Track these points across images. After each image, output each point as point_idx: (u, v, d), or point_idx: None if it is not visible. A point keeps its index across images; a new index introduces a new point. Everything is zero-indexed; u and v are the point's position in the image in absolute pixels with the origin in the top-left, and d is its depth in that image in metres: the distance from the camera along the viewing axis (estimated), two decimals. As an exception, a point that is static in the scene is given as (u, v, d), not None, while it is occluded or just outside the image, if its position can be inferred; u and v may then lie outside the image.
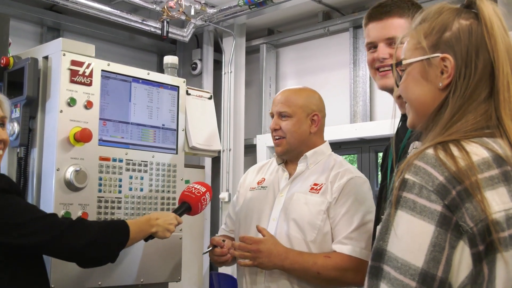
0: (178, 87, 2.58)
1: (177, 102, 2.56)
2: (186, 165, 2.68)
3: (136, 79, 2.45)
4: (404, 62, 1.45)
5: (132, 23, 5.07)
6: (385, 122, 4.76)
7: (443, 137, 1.27)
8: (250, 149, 5.58)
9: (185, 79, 2.61)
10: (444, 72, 1.34)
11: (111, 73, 2.38)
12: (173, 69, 2.62)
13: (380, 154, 5.50)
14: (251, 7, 4.94)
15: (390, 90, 2.05)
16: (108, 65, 2.37)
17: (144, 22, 5.10)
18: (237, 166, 5.45)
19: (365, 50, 5.02)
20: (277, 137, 2.49)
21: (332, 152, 2.60)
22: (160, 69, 5.97)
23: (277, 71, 5.77)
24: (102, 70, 2.35)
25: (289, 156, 2.54)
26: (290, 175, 2.52)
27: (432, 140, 1.28)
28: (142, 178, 2.42)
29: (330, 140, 5.09)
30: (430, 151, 1.23)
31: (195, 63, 5.64)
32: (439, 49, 1.36)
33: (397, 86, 1.52)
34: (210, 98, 2.76)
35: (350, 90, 5.19)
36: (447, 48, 1.34)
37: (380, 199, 2.15)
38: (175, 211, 2.34)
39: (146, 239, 2.20)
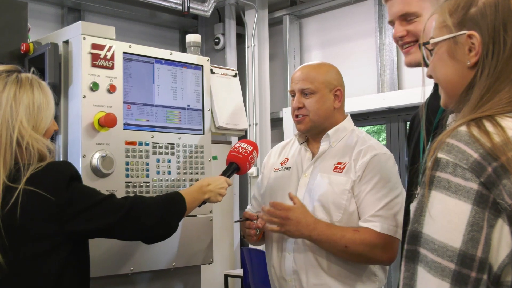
0: (202, 66, 2.50)
1: (202, 81, 2.49)
2: (213, 141, 2.62)
3: (159, 60, 2.37)
4: (431, 41, 1.37)
5: (153, 0, 4.99)
6: (413, 91, 4.67)
7: (476, 114, 1.21)
8: (276, 123, 5.50)
9: (209, 58, 2.53)
10: (472, 50, 1.26)
11: (133, 55, 2.30)
12: (196, 47, 2.54)
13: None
14: (272, -22, 4.81)
15: (416, 66, 1.96)
16: (130, 47, 2.30)
17: (165, -2, 5.02)
18: (264, 140, 5.38)
19: (391, 17, 4.90)
20: (299, 115, 2.40)
21: (355, 127, 2.51)
22: (183, 46, 5.90)
23: (301, 43, 5.66)
24: (123, 53, 2.28)
25: (312, 133, 2.45)
26: (313, 154, 2.44)
27: (464, 117, 1.22)
28: (169, 161, 2.36)
29: (358, 110, 5.11)
30: (463, 128, 1.17)
31: (218, 38, 5.56)
32: (465, 27, 1.28)
33: (426, 65, 1.46)
34: (235, 76, 2.67)
35: (377, 59, 5.08)
36: (473, 25, 1.27)
37: (413, 172, 2.08)
38: (223, 173, 2.32)
39: (199, 205, 2.20)
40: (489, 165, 1.11)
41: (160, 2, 5.04)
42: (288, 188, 2.39)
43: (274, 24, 5.64)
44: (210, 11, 5.28)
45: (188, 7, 4.90)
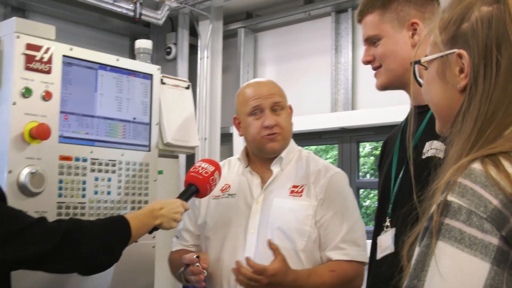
0: (151, 75, 2.22)
1: (151, 92, 2.21)
2: (159, 155, 2.35)
3: (104, 66, 2.09)
4: (422, 60, 1.19)
5: (103, 4, 4.65)
6: (367, 111, 4.50)
7: (488, 149, 1.00)
8: (226, 138, 5.23)
9: (159, 67, 2.26)
10: (463, 71, 1.08)
11: (74, 59, 2.02)
12: (146, 54, 2.27)
13: (363, 144, 5.26)
14: (229, -12, 4.57)
15: (385, 89, 1.86)
16: (71, 49, 2.01)
17: (116, 3, 4.69)
18: (213, 155, 5.11)
19: (347, 35, 4.74)
20: (271, 133, 2.16)
21: (299, 147, 2.35)
22: (133, 54, 5.60)
23: (256, 57, 5.42)
24: (63, 56, 1.99)
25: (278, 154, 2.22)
26: (262, 179, 2.20)
27: (463, 152, 1.03)
28: (109, 179, 2.08)
29: (310, 129, 4.89)
30: (477, 166, 0.97)
31: (170, 48, 5.26)
32: (456, 44, 1.09)
33: (419, 84, 1.26)
34: (187, 88, 2.41)
35: (332, 77, 4.89)
36: (463, 42, 1.08)
37: (383, 201, 1.87)
38: (180, 195, 2.03)
39: (150, 232, 1.91)
40: None
41: (111, 7, 4.71)
42: (238, 217, 2.14)
43: (229, 36, 5.39)
44: (163, 19, 4.99)
45: (140, 14, 4.60)
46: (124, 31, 5.43)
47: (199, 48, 5.18)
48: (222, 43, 5.22)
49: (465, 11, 1.09)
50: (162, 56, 5.34)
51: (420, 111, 1.73)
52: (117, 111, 2.11)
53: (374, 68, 1.87)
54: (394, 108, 3.93)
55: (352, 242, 2.11)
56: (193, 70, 5.25)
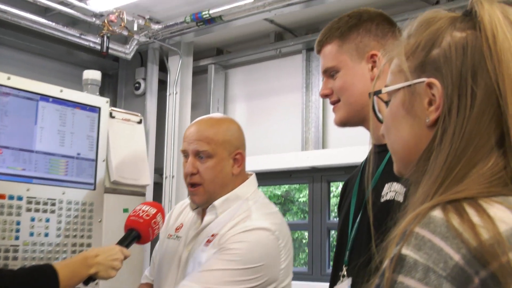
0: (99, 108, 2.06)
1: (98, 126, 2.05)
2: (124, 192, 2.17)
3: (45, 97, 1.92)
4: (383, 90, 1.04)
5: (70, 37, 4.51)
6: (338, 151, 4.37)
7: (452, 194, 0.85)
8: (195, 176, 5.06)
9: (108, 99, 2.10)
10: (432, 103, 0.94)
11: (12, 89, 1.85)
12: (94, 86, 2.11)
13: (336, 184, 5.11)
14: (198, 24, 4.45)
15: (344, 125, 1.72)
16: (9, 78, 1.84)
17: (83, 37, 4.54)
18: (180, 194, 4.91)
19: (318, 73, 4.65)
20: (193, 184, 1.96)
21: (255, 193, 2.08)
22: (102, 89, 5.43)
23: (226, 94, 5.29)
24: (0, 85, 1.81)
25: (208, 205, 2.02)
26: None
27: (430, 193, 0.88)
28: (47, 220, 1.89)
29: (280, 168, 4.74)
30: (438, 214, 0.82)
31: (139, 83, 5.12)
32: (424, 73, 0.96)
33: (379, 120, 1.12)
34: (139, 122, 2.25)
35: (302, 116, 4.77)
36: (434, 70, 0.94)
37: (340, 247, 1.71)
38: (119, 242, 1.83)
39: (85, 282, 1.69)
40: (476, 274, 0.78)
41: (78, 40, 4.56)
42: (172, 263, 1.96)
43: (199, 72, 5.27)
44: (132, 54, 4.85)
45: (107, 47, 4.44)
46: (93, 66, 5.21)
47: (168, 84, 5.04)
48: (191, 79, 5.09)
49: (435, 37, 0.96)
50: (131, 91, 5.19)
51: (380, 150, 1.59)
52: (59, 146, 1.94)
53: (332, 102, 1.73)
54: (366, 147, 3.78)
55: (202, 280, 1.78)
56: (162, 106, 5.10)
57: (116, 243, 1.82)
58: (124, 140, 2.16)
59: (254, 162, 4.67)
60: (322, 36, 1.75)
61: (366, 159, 1.79)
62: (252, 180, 2.09)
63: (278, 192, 7.26)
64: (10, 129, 1.83)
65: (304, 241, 5.76)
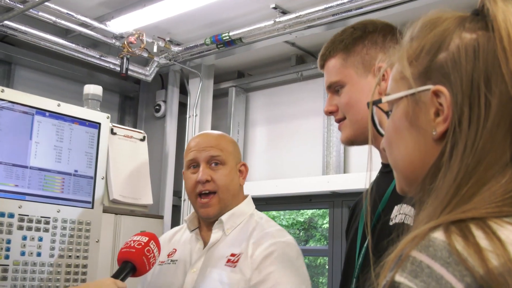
0: (99, 124, 1.97)
1: (97, 142, 1.95)
2: (142, 214, 2.08)
3: (42, 112, 1.84)
4: (384, 99, 0.93)
5: (90, 59, 4.48)
6: (360, 175, 4.21)
7: (456, 214, 0.73)
8: (213, 200, 4.95)
9: (109, 115, 2.01)
10: (440, 114, 0.82)
11: (7, 102, 1.77)
12: (95, 101, 2.04)
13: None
14: (219, 46, 4.38)
15: (353, 144, 1.61)
16: (2, 91, 1.76)
17: (103, 58, 4.51)
18: (198, 217, 4.81)
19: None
20: (206, 192, 1.88)
21: (255, 211, 2.04)
22: (123, 110, 5.38)
23: (246, 117, 5.20)
24: (-6, 98, 1.74)
25: (215, 219, 1.94)
26: (205, 244, 1.92)
27: (435, 214, 0.76)
28: (40, 239, 1.79)
29: (300, 192, 4.61)
30: (439, 235, 0.71)
31: (159, 105, 5.06)
32: (430, 80, 0.84)
33: (379, 133, 1.00)
34: (142, 140, 2.15)
35: (323, 140, 4.64)
36: (441, 77, 0.82)
37: (347, 275, 1.59)
38: (113, 276, 1.70)
39: None
40: None
41: (98, 62, 4.54)
42: (172, 286, 1.85)
43: (220, 95, 5.20)
44: (152, 76, 4.80)
45: (127, 69, 4.39)
46: (113, 88, 5.24)
47: (188, 106, 4.97)
48: (212, 101, 5.02)
49: (441, 39, 0.84)
50: (151, 114, 5.14)
51: (388, 170, 1.46)
52: (55, 162, 1.85)
53: (338, 120, 1.60)
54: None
55: None
56: (182, 129, 5.03)
57: (110, 276, 1.69)
58: (126, 157, 2.07)
59: (274, 186, 4.55)
60: (325, 49, 1.64)
61: (377, 177, 1.67)
62: (251, 199, 2.05)
63: (301, 219, 7.11)
64: (3, 144, 1.75)
65: (327, 266, 5.61)
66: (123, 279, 1.70)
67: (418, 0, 3.43)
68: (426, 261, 0.68)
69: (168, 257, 1.99)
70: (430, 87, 0.82)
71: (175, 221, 4.87)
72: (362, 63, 1.55)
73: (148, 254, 1.74)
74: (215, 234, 1.92)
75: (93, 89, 2.04)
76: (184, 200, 4.77)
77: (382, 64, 1.53)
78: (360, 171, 4.34)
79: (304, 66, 4.76)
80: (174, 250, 2.00)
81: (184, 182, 1.98)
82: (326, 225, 5.92)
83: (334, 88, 1.59)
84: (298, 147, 4.73)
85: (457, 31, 0.83)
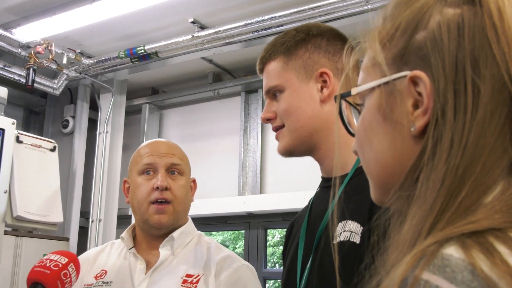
0: (2, 130, 1.71)
1: (0, 151, 1.69)
2: (45, 236, 1.82)
3: None
4: (353, 91, 0.77)
5: (-8, 69, 4.12)
6: (276, 196, 4.10)
7: (465, 224, 0.58)
8: (124, 221, 4.65)
9: (15, 120, 1.75)
10: (419, 105, 0.66)
11: None
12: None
13: (270, 232, 4.82)
14: (133, 60, 4.15)
15: (291, 155, 1.45)
16: None
17: (7, 68, 4.15)
18: (108, 239, 4.49)
19: (256, 116, 4.42)
20: (161, 201, 1.73)
21: (198, 231, 1.93)
22: (27, 125, 5.00)
23: (160, 135, 4.98)
24: None
25: (166, 231, 1.79)
26: (147, 263, 1.75)
27: (425, 228, 0.61)
28: None
29: (215, 213, 4.43)
30: (454, 252, 0.54)
31: (67, 120, 4.74)
32: (406, 64, 0.68)
33: (349, 132, 0.83)
34: (53, 150, 1.91)
35: (240, 160, 4.51)
36: (419, 60, 0.67)
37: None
38: None
39: None
40: None
41: (1, 72, 4.17)
42: None
43: (132, 112, 4.95)
44: (60, 89, 4.48)
45: (33, 81, 4.05)
46: (17, 101, 4.85)
47: (99, 122, 4.68)
48: (124, 118, 4.76)
49: (419, 16, 0.68)
50: (58, 129, 4.80)
51: (328, 184, 1.31)
52: (-52, 172, 1.57)
53: (275, 128, 1.45)
54: (304, 193, 3.54)
55: None
56: (91, 146, 4.73)
57: None
58: (33, 169, 1.82)
59: (188, 207, 4.36)
60: (265, 52, 1.49)
61: (314, 196, 1.52)
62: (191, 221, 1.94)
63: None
64: None
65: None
66: None
67: (337, 20, 3.37)
68: (443, 286, 0.52)
69: (96, 279, 1.78)
70: (407, 73, 0.67)
71: (82, 244, 4.54)
72: (304, 67, 1.42)
73: (65, 278, 1.50)
74: (164, 252, 1.77)
75: (-3, 91, 1.79)
76: (92, 222, 4.45)
77: (325, 70, 1.40)
78: (276, 192, 4.23)
79: (221, 84, 4.62)
80: (104, 272, 1.79)
81: (134, 189, 1.81)
82: (239, 249, 5.78)
83: (273, 93, 1.44)
84: (213, 167, 4.57)
85: (437, 6, 0.68)
